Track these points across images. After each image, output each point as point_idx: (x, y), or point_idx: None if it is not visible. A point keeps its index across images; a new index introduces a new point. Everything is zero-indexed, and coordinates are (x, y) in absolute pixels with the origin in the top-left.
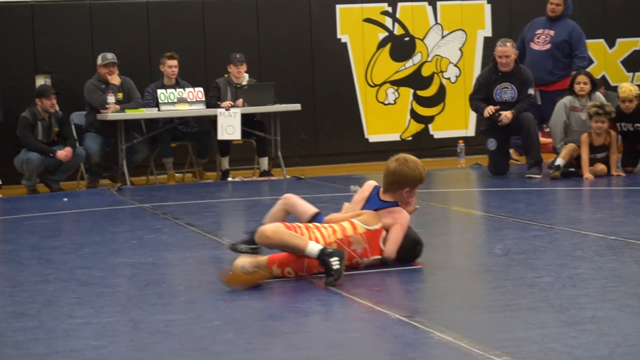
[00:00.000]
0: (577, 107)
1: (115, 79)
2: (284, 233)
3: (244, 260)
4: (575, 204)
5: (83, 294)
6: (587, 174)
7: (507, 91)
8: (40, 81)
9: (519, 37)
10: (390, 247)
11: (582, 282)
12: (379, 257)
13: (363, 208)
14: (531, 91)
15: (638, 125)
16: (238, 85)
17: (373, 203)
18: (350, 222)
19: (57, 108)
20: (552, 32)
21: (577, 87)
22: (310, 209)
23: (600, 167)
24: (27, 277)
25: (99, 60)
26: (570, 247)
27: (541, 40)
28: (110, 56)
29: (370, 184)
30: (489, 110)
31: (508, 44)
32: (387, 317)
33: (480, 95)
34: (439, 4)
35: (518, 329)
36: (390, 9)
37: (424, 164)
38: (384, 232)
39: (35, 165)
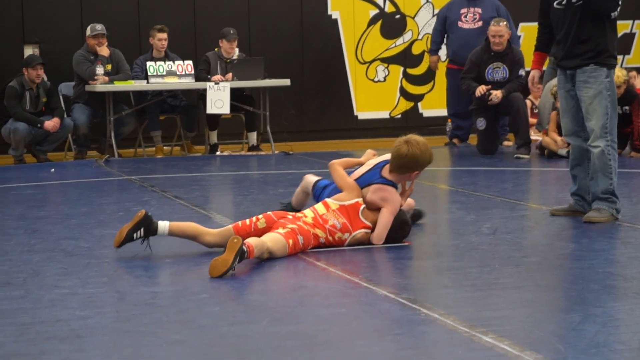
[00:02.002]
0: None
1: (104, 50)
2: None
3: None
4: (564, 185)
5: (69, 265)
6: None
7: (498, 71)
8: (28, 51)
9: (438, 19)
10: (379, 233)
11: (569, 262)
12: (363, 230)
13: (362, 175)
14: (522, 72)
15: (626, 108)
16: (228, 60)
17: (372, 175)
18: (323, 202)
19: (45, 78)
20: (479, 10)
21: None
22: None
23: None
24: (12, 246)
25: (88, 31)
26: (558, 227)
27: (469, 19)
28: (99, 27)
29: (385, 157)
30: (481, 89)
31: (502, 23)
32: (374, 293)
33: (472, 74)
34: None
35: (504, 308)
36: None
37: None
38: (361, 206)
39: (22, 135)
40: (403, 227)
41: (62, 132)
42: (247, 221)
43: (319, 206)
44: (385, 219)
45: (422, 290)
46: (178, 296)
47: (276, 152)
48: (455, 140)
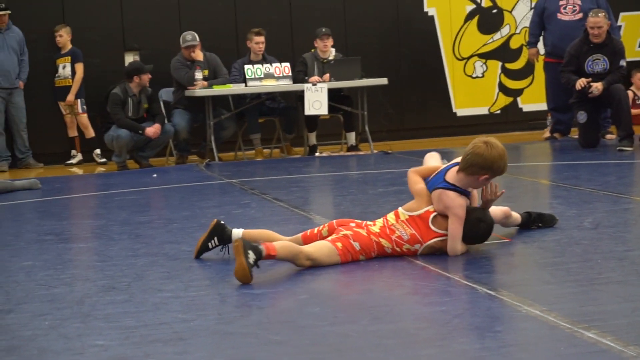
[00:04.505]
0: None
1: (199, 56)
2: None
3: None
4: None
5: (172, 268)
6: None
7: (598, 63)
8: (129, 58)
9: (535, 11)
10: (450, 245)
11: None
12: (438, 239)
13: (429, 181)
14: (623, 62)
15: None
16: (325, 60)
17: (437, 179)
18: (395, 211)
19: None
20: (578, 1)
21: None
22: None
23: None
24: (117, 251)
25: (181, 41)
26: None
27: (569, 10)
28: (189, 37)
29: (454, 161)
30: (581, 82)
31: (600, 14)
32: (474, 290)
33: (572, 67)
34: None
35: (607, 303)
36: None
37: (512, 137)
38: (432, 215)
39: (124, 141)
40: (477, 224)
41: (163, 137)
42: (315, 230)
43: (391, 215)
44: (452, 230)
45: (523, 286)
46: (278, 297)
47: (375, 151)
48: (556, 135)
